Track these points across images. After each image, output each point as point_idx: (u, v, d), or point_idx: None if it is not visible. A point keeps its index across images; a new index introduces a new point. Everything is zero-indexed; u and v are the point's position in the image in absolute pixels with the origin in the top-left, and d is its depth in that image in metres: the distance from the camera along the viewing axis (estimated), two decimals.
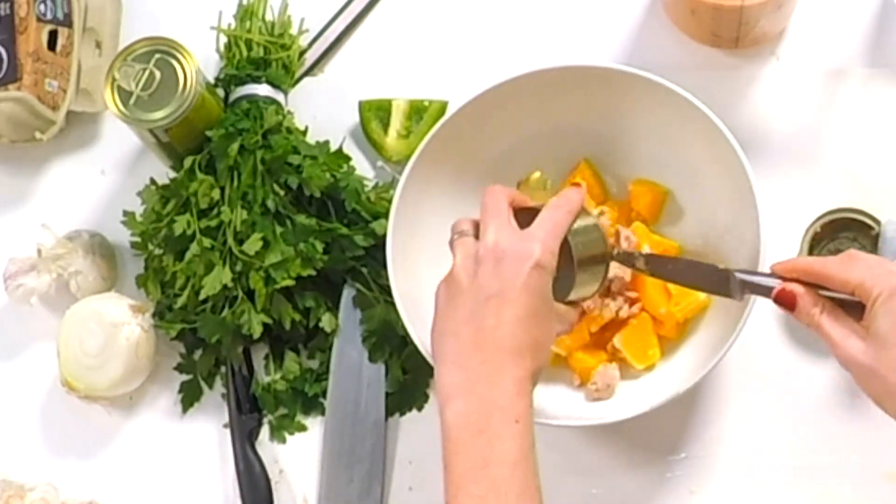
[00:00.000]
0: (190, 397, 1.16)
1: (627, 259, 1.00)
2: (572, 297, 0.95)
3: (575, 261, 0.94)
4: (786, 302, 0.89)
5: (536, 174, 1.04)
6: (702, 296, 1.07)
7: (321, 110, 1.21)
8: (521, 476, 0.84)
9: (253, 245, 1.10)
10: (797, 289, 0.88)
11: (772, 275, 0.90)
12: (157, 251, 1.14)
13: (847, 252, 0.88)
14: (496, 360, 0.87)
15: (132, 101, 1.11)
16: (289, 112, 1.19)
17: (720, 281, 0.94)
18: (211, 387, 1.16)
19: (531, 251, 0.89)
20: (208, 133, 1.13)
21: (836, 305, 0.87)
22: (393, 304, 1.05)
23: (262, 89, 1.17)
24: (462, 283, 0.90)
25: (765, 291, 0.90)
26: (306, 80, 1.23)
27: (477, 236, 0.93)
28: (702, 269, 0.97)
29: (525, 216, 0.94)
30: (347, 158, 1.16)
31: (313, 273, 1.11)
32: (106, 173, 1.23)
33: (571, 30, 1.21)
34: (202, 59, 1.16)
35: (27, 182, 1.24)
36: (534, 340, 0.89)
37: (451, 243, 0.94)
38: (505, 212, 0.93)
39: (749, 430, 1.10)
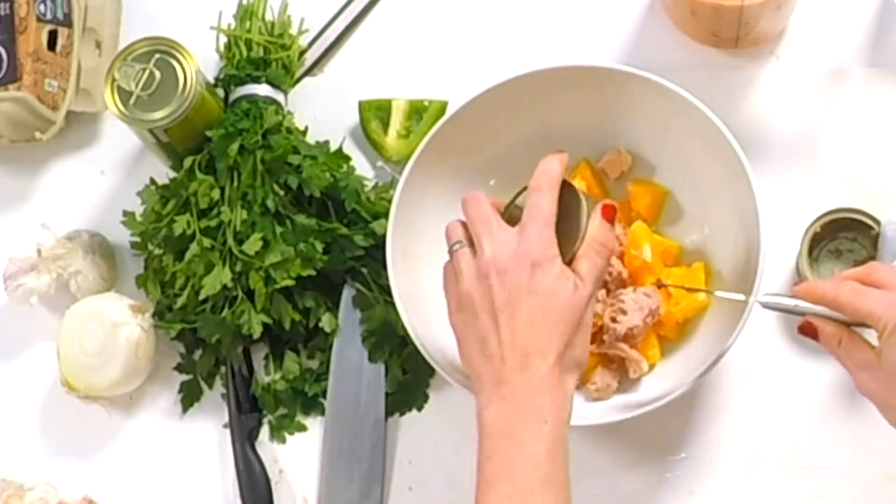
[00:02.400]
0: (190, 397, 1.16)
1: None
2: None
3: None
4: (810, 334, 0.92)
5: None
6: (702, 295, 1.07)
7: (321, 110, 1.21)
8: (545, 475, 0.87)
9: (253, 245, 1.10)
10: (817, 322, 0.91)
11: (794, 296, 0.93)
12: (157, 251, 1.14)
13: (865, 267, 0.91)
14: (521, 363, 0.89)
15: (132, 101, 1.11)
16: (289, 112, 1.19)
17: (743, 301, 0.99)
18: (211, 387, 1.16)
19: (528, 253, 0.90)
20: (208, 133, 1.13)
21: (853, 334, 0.90)
22: (393, 304, 1.05)
23: (262, 89, 1.17)
24: (475, 304, 0.91)
25: (789, 313, 0.95)
26: (306, 80, 1.23)
27: (472, 244, 0.94)
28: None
29: (514, 208, 0.94)
30: (347, 158, 1.16)
31: (313, 273, 1.11)
32: (106, 173, 1.23)
33: (571, 30, 1.21)
34: (202, 59, 1.16)
35: (27, 182, 1.24)
36: (552, 333, 0.90)
37: (450, 253, 0.95)
38: (491, 218, 0.93)
39: (749, 430, 1.10)
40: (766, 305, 0.95)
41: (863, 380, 0.89)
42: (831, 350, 0.91)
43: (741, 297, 0.99)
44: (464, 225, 0.95)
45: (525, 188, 0.95)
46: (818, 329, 0.91)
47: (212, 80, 1.19)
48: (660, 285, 1.06)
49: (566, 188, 0.95)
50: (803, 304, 0.92)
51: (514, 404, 0.89)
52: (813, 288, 0.92)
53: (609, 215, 0.95)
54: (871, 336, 0.89)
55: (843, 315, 0.90)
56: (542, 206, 0.92)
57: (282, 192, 1.12)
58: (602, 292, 1.08)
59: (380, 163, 1.19)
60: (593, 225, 0.94)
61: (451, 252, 0.95)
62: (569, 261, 0.92)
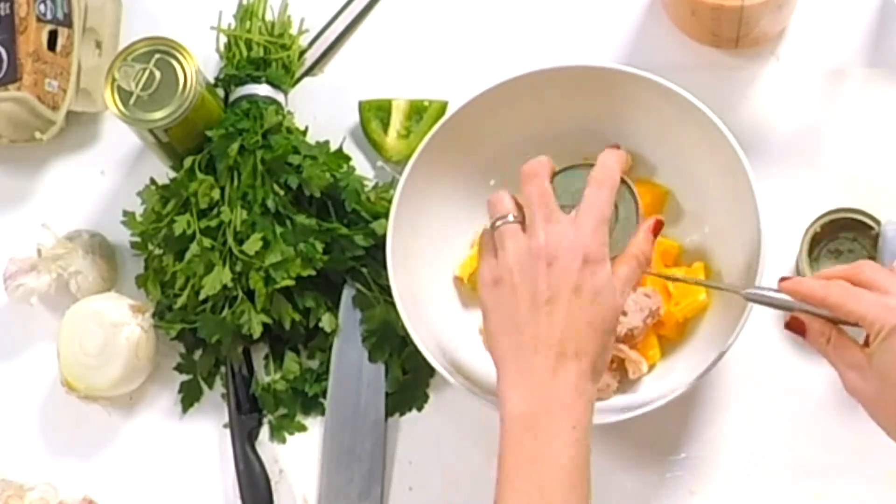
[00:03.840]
0: (190, 397, 1.16)
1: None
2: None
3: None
4: (797, 330, 0.91)
5: None
6: (702, 296, 1.07)
7: (321, 110, 1.21)
8: (569, 479, 0.85)
9: (253, 245, 1.10)
10: (805, 318, 0.90)
11: (779, 291, 0.92)
12: (157, 251, 1.14)
13: (854, 266, 0.90)
14: (555, 362, 0.87)
15: (132, 101, 1.11)
16: (289, 112, 1.19)
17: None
18: (211, 387, 1.16)
19: (580, 248, 0.88)
20: (208, 133, 1.13)
21: (841, 332, 0.89)
22: (393, 304, 1.05)
23: (262, 89, 1.17)
24: (515, 284, 0.89)
25: (777, 308, 0.93)
26: (306, 80, 1.23)
27: (521, 220, 0.91)
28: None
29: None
30: (347, 158, 1.16)
31: (313, 273, 1.11)
32: (106, 173, 1.23)
33: (571, 30, 1.21)
34: (202, 59, 1.16)
35: (27, 182, 1.24)
36: (590, 335, 0.88)
37: (494, 227, 0.92)
38: (552, 200, 0.91)
39: (749, 430, 1.10)
40: (749, 298, 0.94)
41: (852, 380, 0.87)
42: (818, 348, 0.90)
43: (736, 290, 0.98)
44: (515, 204, 0.93)
45: (565, 168, 0.94)
46: (806, 326, 0.90)
47: (212, 80, 1.19)
48: (666, 278, 1.06)
49: (621, 184, 0.94)
50: (790, 299, 0.91)
51: (543, 403, 0.87)
52: (801, 285, 0.90)
53: (657, 231, 0.94)
54: (856, 333, 0.89)
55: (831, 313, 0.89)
56: (601, 201, 0.90)
57: (282, 192, 1.12)
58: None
59: (380, 163, 1.19)
60: (640, 236, 0.93)
61: (495, 225, 0.92)
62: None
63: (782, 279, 0.92)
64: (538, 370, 0.87)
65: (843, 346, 0.88)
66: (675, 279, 1.06)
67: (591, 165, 0.94)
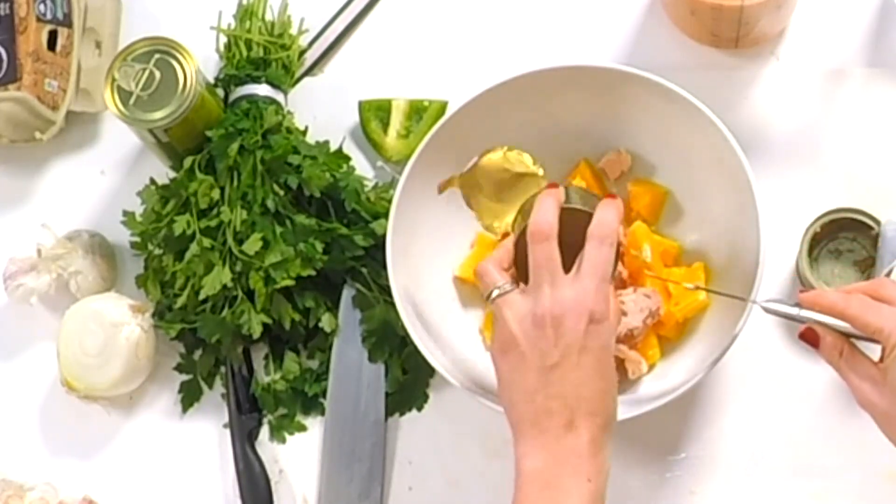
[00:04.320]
0: (190, 397, 1.16)
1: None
2: None
3: None
4: (810, 341, 0.91)
5: (500, 152, 1.01)
6: (702, 295, 1.07)
7: (321, 110, 1.21)
8: None
9: (253, 245, 1.10)
10: (819, 330, 0.91)
11: (797, 304, 0.92)
12: (157, 251, 1.14)
13: (875, 282, 0.91)
14: (570, 421, 0.88)
15: (132, 101, 1.11)
16: (289, 112, 1.19)
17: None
18: (211, 387, 1.16)
19: (585, 310, 0.89)
20: (208, 133, 1.13)
21: (854, 347, 0.90)
22: (393, 304, 1.05)
23: (262, 89, 1.17)
24: (523, 351, 0.90)
25: (790, 320, 0.93)
26: (306, 80, 1.23)
27: (514, 282, 0.92)
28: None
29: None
30: (347, 158, 1.16)
31: (313, 273, 1.11)
32: (106, 173, 1.23)
33: (571, 30, 1.21)
34: (202, 59, 1.16)
35: (27, 182, 1.24)
36: (601, 393, 0.89)
37: (490, 299, 0.92)
38: (557, 265, 0.90)
39: (749, 430, 1.10)
40: (767, 310, 0.94)
41: (865, 393, 0.88)
42: (831, 360, 0.90)
43: (744, 298, 0.99)
44: (506, 274, 0.93)
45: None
46: (819, 338, 0.91)
47: (212, 80, 1.19)
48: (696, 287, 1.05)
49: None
50: (805, 313, 0.91)
51: (557, 459, 0.88)
52: (821, 297, 0.91)
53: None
54: (869, 350, 0.90)
55: (848, 327, 0.89)
56: (601, 260, 0.90)
57: (282, 192, 1.12)
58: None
59: (380, 163, 1.19)
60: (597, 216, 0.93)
61: (490, 296, 0.92)
62: None
63: (802, 290, 0.93)
64: (553, 432, 0.88)
65: (857, 360, 0.89)
66: (702, 289, 1.06)
67: (590, 215, 0.93)
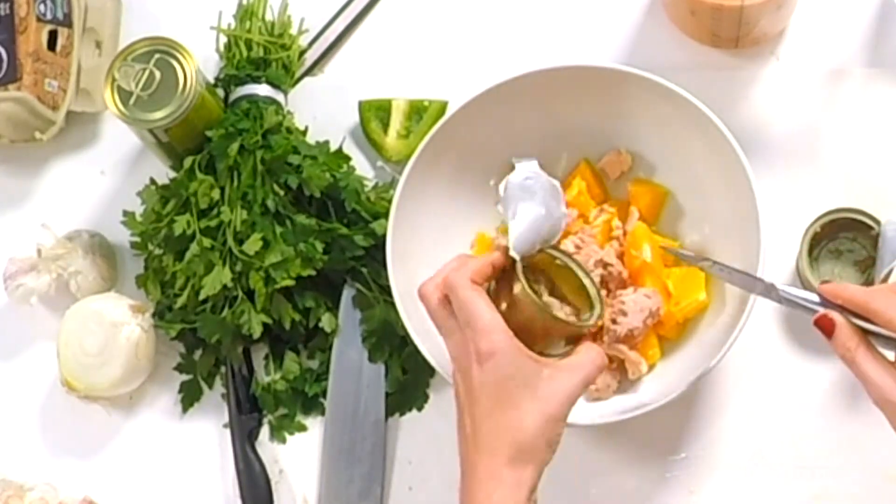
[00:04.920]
0: (190, 397, 1.16)
1: (686, 258, 1.03)
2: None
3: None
4: (825, 328, 0.88)
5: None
6: (702, 296, 1.07)
7: (321, 110, 1.21)
8: None
9: (253, 245, 1.10)
10: (838, 318, 0.87)
11: (814, 293, 0.90)
12: (157, 251, 1.14)
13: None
14: (476, 460, 0.88)
15: (132, 101, 1.11)
16: (289, 112, 1.19)
17: (755, 286, 0.95)
18: (211, 387, 1.16)
19: (469, 348, 0.89)
20: (208, 133, 1.13)
21: (871, 343, 0.86)
22: (393, 304, 1.05)
23: (262, 89, 1.17)
24: (456, 396, 0.91)
25: (805, 310, 0.90)
26: (306, 80, 1.23)
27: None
28: (740, 276, 0.97)
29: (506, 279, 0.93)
30: (347, 158, 1.16)
31: (313, 273, 1.11)
32: (106, 173, 1.23)
33: (571, 30, 1.21)
34: (202, 59, 1.16)
35: (27, 182, 1.24)
36: (504, 428, 0.88)
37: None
38: (445, 314, 0.91)
39: (749, 430, 1.10)
40: (784, 299, 0.91)
41: (882, 391, 0.84)
42: (844, 353, 0.87)
43: (761, 279, 0.96)
44: (447, 311, 0.92)
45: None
46: (836, 326, 0.87)
47: (212, 80, 1.19)
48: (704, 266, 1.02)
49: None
50: (817, 302, 0.88)
51: (475, 499, 0.87)
52: (843, 290, 0.88)
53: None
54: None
55: (869, 323, 0.86)
56: (464, 303, 0.90)
57: (282, 192, 1.12)
58: (602, 292, 1.07)
59: (380, 163, 1.19)
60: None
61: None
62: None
63: (824, 282, 0.90)
64: (466, 473, 0.89)
65: (874, 357, 0.86)
66: (719, 264, 1.02)
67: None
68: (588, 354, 0.92)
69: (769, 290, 0.93)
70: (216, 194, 1.12)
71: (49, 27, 1.20)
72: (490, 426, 0.88)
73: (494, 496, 0.87)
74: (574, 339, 0.95)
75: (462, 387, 0.90)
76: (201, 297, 1.10)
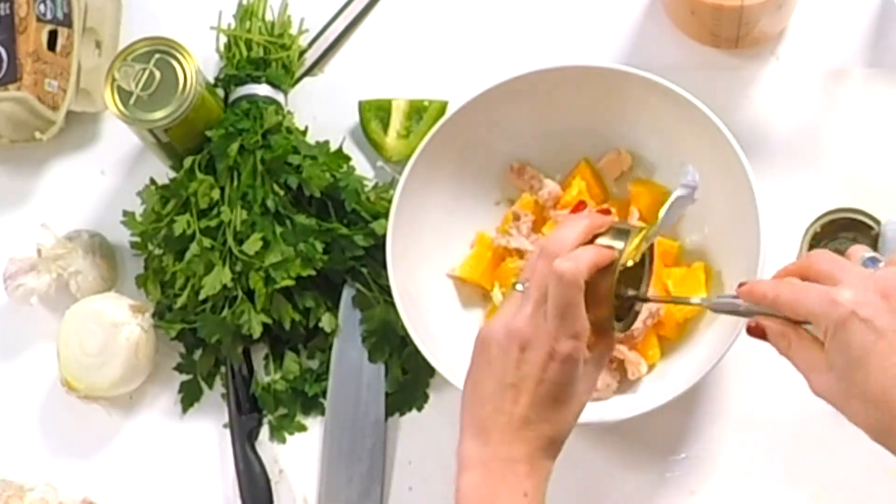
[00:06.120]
0: (190, 397, 1.16)
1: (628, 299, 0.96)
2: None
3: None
4: (756, 335, 0.87)
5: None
6: (697, 299, 1.07)
7: (321, 110, 1.21)
8: None
9: (253, 245, 1.10)
10: (764, 321, 0.85)
11: (737, 297, 0.87)
12: (157, 251, 1.14)
13: (805, 261, 0.85)
14: (512, 440, 0.86)
15: (132, 101, 1.11)
16: (289, 112, 1.19)
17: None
18: (211, 387, 1.16)
19: (547, 344, 0.85)
20: (208, 133, 1.13)
21: (803, 333, 0.84)
22: (393, 304, 1.06)
23: (262, 89, 1.17)
24: (493, 356, 0.87)
25: (738, 315, 0.89)
26: (306, 80, 1.23)
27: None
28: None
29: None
30: (347, 158, 1.16)
31: (313, 273, 1.11)
32: (106, 173, 1.23)
33: (571, 30, 1.21)
34: (202, 59, 1.16)
35: (27, 182, 1.24)
36: (550, 422, 0.87)
37: (512, 285, 0.89)
38: (544, 287, 0.86)
39: (749, 430, 1.10)
40: (716, 310, 0.90)
41: (815, 382, 0.82)
42: (781, 351, 0.85)
43: (688, 302, 0.98)
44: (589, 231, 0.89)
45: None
46: (766, 329, 0.85)
47: (212, 80, 1.19)
48: (641, 300, 0.96)
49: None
50: (754, 306, 0.86)
51: (495, 474, 0.86)
52: (754, 288, 0.86)
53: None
54: None
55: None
56: (559, 295, 0.85)
57: (282, 192, 1.12)
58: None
59: (380, 163, 1.19)
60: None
61: (513, 283, 0.89)
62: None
63: (741, 284, 0.87)
64: (493, 447, 0.86)
65: (804, 348, 0.83)
66: (672, 301, 1.05)
67: (636, 227, 0.91)
68: (606, 343, 0.91)
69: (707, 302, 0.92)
70: (216, 194, 1.12)
71: (49, 27, 1.20)
72: (541, 417, 0.86)
73: (527, 483, 0.86)
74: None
75: (521, 361, 0.86)
76: (201, 297, 1.10)
